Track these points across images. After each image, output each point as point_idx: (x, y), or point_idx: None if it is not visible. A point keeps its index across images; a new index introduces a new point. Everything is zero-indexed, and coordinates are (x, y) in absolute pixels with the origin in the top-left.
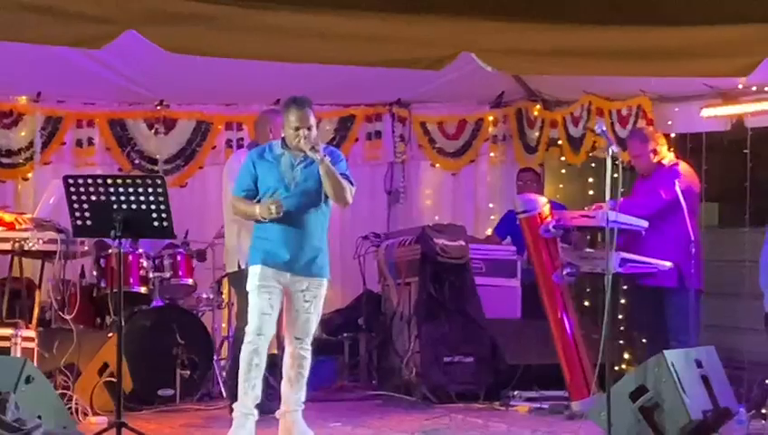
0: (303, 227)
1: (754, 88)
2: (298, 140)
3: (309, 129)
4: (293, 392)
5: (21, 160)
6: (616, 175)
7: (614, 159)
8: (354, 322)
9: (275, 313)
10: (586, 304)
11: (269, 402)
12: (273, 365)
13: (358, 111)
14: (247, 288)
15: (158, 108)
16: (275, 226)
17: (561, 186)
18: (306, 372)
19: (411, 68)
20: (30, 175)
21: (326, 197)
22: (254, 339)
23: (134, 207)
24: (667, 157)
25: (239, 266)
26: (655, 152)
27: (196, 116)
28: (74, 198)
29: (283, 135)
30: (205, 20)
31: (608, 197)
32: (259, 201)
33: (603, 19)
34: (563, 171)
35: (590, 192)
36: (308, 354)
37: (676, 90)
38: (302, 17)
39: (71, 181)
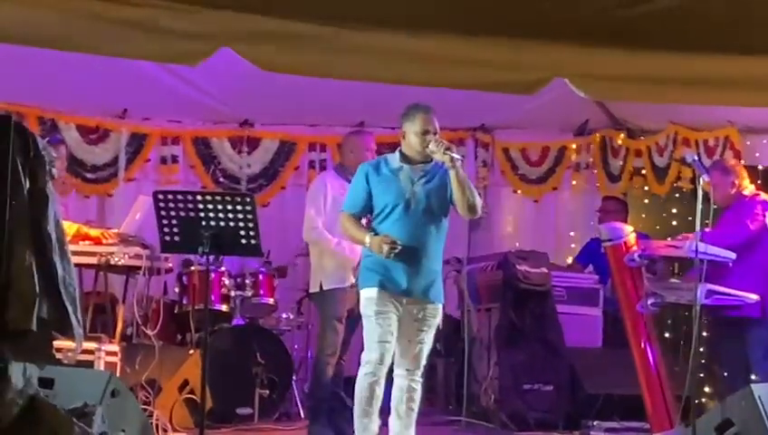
0: (423, 249)
1: None
2: (426, 144)
3: (435, 133)
4: (405, 428)
5: (105, 176)
6: (703, 205)
7: (704, 189)
8: (433, 346)
9: (394, 339)
10: (666, 335)
11: (347, 425)
12: (353, 388)
13: (441, 135)
14: (363, 313)
15: (243, 127)
16: None
17: (643, 216)
18: (417, 407)
19: (504, 92)
20: (113, 191)
21: (445, 216)
22: (377, 369)
23: (223, 224)
24: (748, 188)
25: (321, 287)
26: (734, 185)
27: (280, 136)
28: (164, 213)
29: (400, 148)
30: (298, 39)
31: (697, 227)
32: (374, 218)
33: (695, 47)
34: (646, 201)
35: (674, 223)
36: (419, 387)
37: (765, 121)
38: (394, 38)
39: (161, 197)
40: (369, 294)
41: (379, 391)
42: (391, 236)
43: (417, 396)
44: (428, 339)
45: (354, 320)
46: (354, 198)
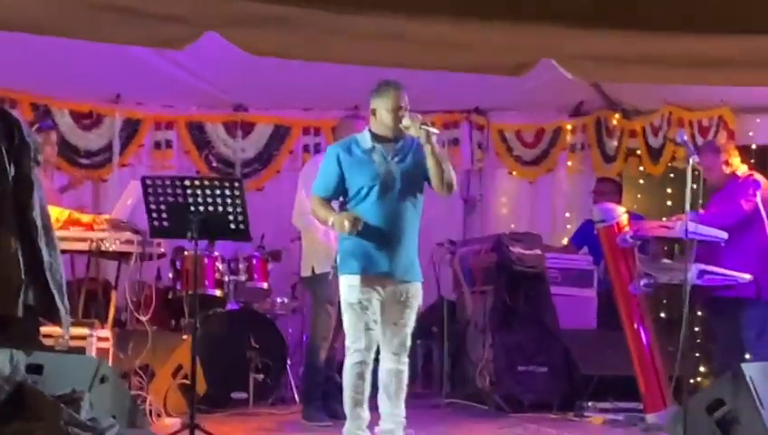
0: (402, 229)
1: None
2: (400, 120)
3: (407, 109)
4: (395, 408)
5: (99, 162)
6: (696, 185)
7: (695, 169)
8: (428, 329)
9: (379, 325)
10: (662, 315)
11: (341, 408)
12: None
13: (436, 118)
14: (345, 300)
15: (237, 112)
16: (371, 227)
17: (639, 196)
18: (405, 386)
19: (491, 74)
20: (108, 176)
21: (421, 193)
22: (365, 356)
23: (211, 208)
24: (741, 168)
25: (313, 271)
26: (727, 163)
27: (275, 120)
28: (152, 199)
29: (369, 127)
30: (286, 22)
31: (687, 207)
32: (349, 201)
33: (685, 27)
34: (641, 181)
35: (669, 203)
36: (406, 368)
37: (758, 100)
38: (383, 21)
39: (149, 182)
40: (351, 282)
41: (369, 377)
42: (367, 217)
43: (405, 377)
44: (412, 320)
45: None
46: (325, 181)
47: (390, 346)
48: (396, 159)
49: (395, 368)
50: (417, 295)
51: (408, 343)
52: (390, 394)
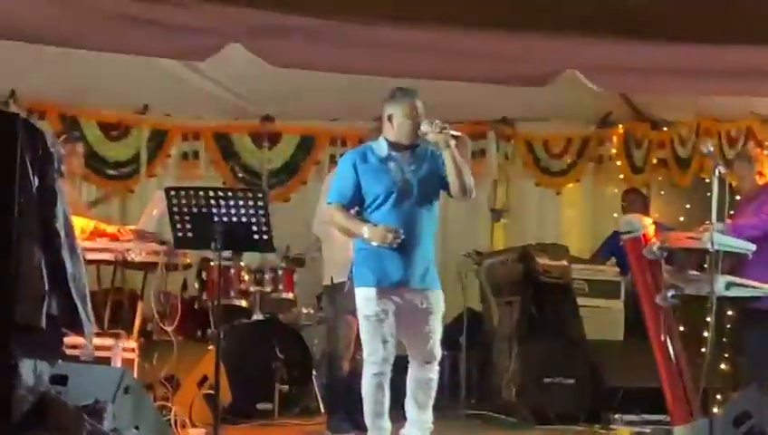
0: (418, 237)
1: None
2: (417, 126)
3: (423, 116)
4: (422, 414)
5: (127, 173)
6: (722, 196)
7: (721, 180)
8: (455, 340)
9: (395, 336)
10: (692, 327)
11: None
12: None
13: (462, 128)
14: (362, 312)
15: (263, 122)
16: None
17: (667, 207)
18: (434, 394)
19: (516, 85)
20: (135, 187)
21: (437, 200)
22: (383, 368)
23: (235, 219)
24: None
25: (332, 281)
26: (760, 174)
27: (301, 131)
28: (176, 209)
29: (383, 135)
30: (309, 34)
31: (714, 218)
32: (364, 209)
33: (712, 37)
34: (670, 192)
35: (698, 214)
36: (436, 375)
37: None
38: (407, 33)
39: (172, 193)
40: (366, 294)
41: (388, 388)
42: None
43: (435, 384)
44: (437, 327)
45: None
46: (343, 188)
47: (420, 355)
48: (412, 167)
49: (426, 377)
50: (437, 303)
51: (438, 351)
52: (419, 402)
